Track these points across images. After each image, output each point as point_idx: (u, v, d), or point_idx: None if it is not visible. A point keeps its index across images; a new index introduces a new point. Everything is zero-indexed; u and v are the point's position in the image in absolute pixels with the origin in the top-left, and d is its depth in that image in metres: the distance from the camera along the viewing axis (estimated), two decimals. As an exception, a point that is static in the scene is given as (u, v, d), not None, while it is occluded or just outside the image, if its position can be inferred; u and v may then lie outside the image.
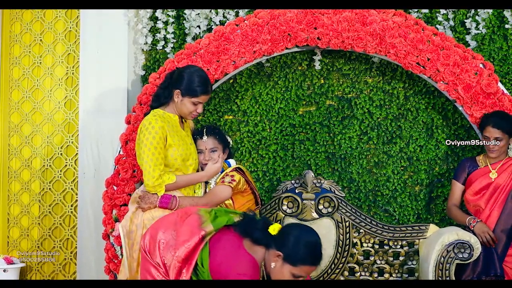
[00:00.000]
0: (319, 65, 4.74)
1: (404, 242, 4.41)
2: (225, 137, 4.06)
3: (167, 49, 4.79)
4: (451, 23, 4.68)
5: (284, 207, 4.44)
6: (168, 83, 3.82)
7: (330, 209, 4.43)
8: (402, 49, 4.30)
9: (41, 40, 5.14)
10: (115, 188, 4.28)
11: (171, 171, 3.75)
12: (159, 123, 3.66)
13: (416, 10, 4.66)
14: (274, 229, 3.17)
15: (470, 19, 4.66)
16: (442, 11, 4.66)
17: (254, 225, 3.20)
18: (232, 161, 4.06)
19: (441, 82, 4.32)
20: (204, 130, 3.98)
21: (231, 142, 4.12)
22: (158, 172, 3.64)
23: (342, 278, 4.40)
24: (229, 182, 3.88)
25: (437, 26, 4.64)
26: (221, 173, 3.96)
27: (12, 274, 4.82)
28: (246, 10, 4.69)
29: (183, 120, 3.89)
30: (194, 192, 3.86)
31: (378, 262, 4.43)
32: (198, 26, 4.76)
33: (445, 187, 4.71)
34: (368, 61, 4.75)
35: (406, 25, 4.36)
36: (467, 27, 4.67)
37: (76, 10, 5.01)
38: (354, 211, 4.44)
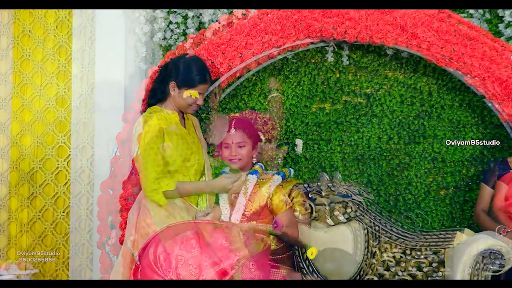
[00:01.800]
0: (332, 57, 4.67)
1: (428, 252, 4.31)
2: (255, 131, 3.92)
3: (171, 41, 4.75)
4: (480, 10, 4.64)
5: (297, 213, 4.29)
6: (163, 76, 3.75)
7: (346, 216, 4.35)
8: (426, 40, 4.20)
9: (30, 31, 5.12)
10: (111, 192, 4.22)
11: (171, 172, 3.66)
12: (155, 120, 3.59)
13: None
14: (312, 253, 3.24)
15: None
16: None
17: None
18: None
19: (468, 76, 4.22)
20: (233, 122, 3.84)
21: (263, 140, 3.92)
22: (155, 174, 3.56)
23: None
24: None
25: (462, 14, 4.57)
26: (256, 176, 3.79)
27: (-2, 287, 4.81)
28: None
29: (185, 116, 3.82)
30: (197, 204, 3.75)
31: (400, 273, 4.33)
32: (201, 15, 4.75)
33: (473, 191, 4.63)
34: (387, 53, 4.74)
35: (430, 14, 4.27)
36: (500, 15, 4.63)
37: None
38: (373, 217, 4.36)
